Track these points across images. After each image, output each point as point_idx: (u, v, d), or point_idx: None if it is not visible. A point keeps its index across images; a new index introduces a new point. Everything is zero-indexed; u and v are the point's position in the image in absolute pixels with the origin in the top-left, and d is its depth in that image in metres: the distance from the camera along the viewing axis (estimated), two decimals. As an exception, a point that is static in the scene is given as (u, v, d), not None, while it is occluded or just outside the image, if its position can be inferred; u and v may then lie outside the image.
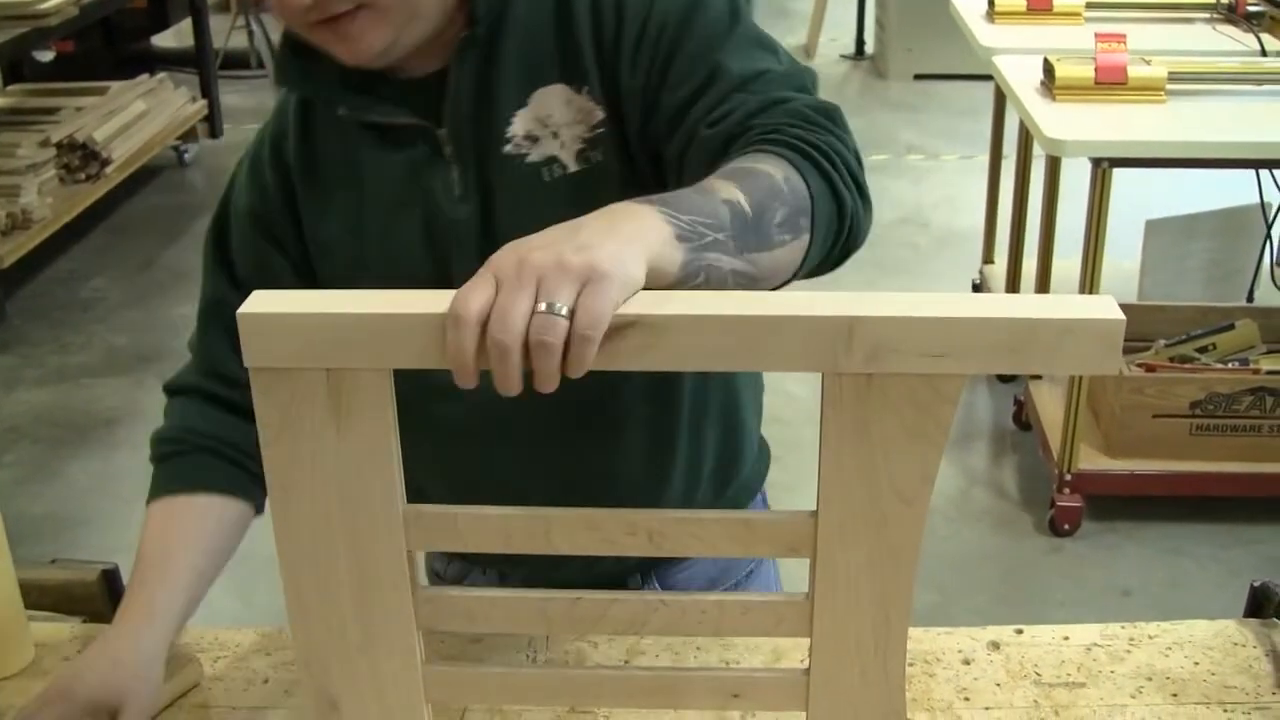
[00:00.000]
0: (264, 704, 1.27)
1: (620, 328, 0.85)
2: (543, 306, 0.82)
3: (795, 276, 1.06)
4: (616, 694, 1.09)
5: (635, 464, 1.35)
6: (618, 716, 1.24)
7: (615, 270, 0.84)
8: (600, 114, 1.20)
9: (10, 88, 5.61)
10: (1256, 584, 1.39)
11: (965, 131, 6.18)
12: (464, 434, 1.31)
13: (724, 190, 0.98)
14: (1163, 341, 3.38)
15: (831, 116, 1.11)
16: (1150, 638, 1.34)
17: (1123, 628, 1.35)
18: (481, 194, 1.22)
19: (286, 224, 1.29)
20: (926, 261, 4.93)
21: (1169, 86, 3.08)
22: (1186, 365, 3.27)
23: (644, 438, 1.34)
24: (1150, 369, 3.23)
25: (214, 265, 1.35)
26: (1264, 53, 3.35)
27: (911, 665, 1.28)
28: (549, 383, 0.84)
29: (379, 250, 1.26)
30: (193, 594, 1.28)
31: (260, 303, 0.89)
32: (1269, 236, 3.65)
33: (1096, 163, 2.91)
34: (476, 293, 0.83)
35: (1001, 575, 3.23)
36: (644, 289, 0.87)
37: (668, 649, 1.33)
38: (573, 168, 1.19)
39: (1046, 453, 3.41)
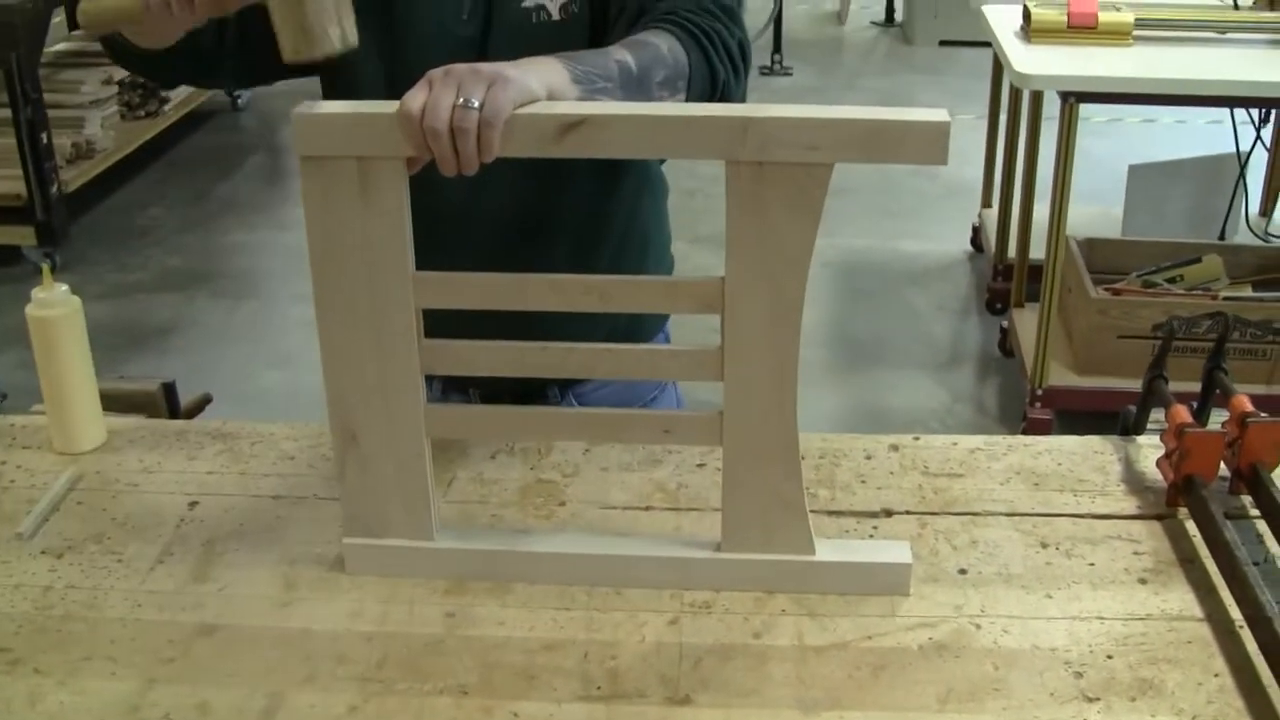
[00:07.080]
0: (291, 473, 1.55)
1: (575, 123, 1.15)
2: (460, 101, 1.14)
3: None
4: (573, 428, 1.40)
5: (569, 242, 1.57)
6: (574, 486, 1.49)
7: (516, 78, 1.17)
8: None
9: (74, 32, 5.91)
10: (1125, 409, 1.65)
11: (982, 92, 6.39)
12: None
13: (618, 53, 1.31)
14: (1135, 273, 3.61)
15: (727, 11, 1.42)
16: (1025, 445, 1.58)
17: (1003, 438, 1.60)
18: (484, 20, 1.48)
19: None
20: (932, 207, 5.20)
21: (1136, 32, 3.33)
22: (1149, 290, 3.51)
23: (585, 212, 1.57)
24: (1116, 293, 3.47)
25: None
26: (1236, 5, 3.56)
27: (822, 459, 1.54)
28: (470, 164, 1.16)
29: (405, 68, 1.41)
30: None
31: (309, 105, 1.20)
32: (1241, 179, 3.88)
33: (1064, 97, 3.16)
34: (417, 96, 1.15)
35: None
36: None
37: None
38: (555, 16, 1.47)
39: (1024, 375, 3.65)
